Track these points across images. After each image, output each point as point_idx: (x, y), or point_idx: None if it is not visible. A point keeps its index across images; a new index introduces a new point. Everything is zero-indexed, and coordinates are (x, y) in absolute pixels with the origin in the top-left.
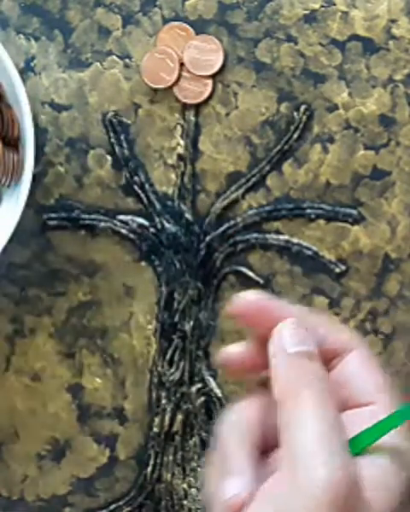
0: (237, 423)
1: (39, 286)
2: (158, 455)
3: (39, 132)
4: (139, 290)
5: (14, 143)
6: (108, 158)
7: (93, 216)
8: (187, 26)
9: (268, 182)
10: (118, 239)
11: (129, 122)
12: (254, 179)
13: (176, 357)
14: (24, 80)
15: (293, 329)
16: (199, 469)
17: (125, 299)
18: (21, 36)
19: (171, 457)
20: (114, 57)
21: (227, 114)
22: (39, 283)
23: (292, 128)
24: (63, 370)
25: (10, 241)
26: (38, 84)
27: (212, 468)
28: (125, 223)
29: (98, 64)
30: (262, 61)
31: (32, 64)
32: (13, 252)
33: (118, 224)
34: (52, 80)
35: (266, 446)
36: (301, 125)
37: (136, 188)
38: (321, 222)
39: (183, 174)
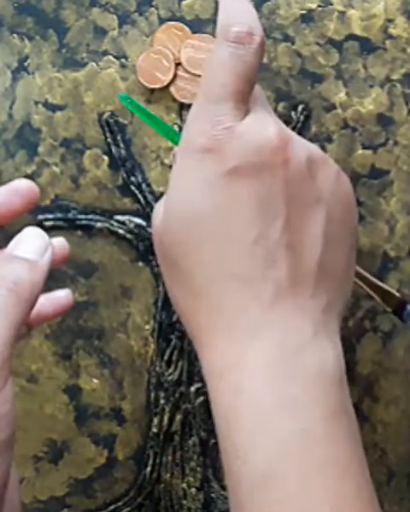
0: None
1: None
2: (157, 455)
3: (32, 132)
4: (136, 290)
5: None
6: (105, 158)
7: (90, 216)
8: (183, 26)
9: None
10: (115, 239)
11: (125, 122)
12: None
13: (174, 357)
14: (17, 80)
15: None
16: (198, 469)
17: (122, 299)
18: (15, 35)
19: (170, 457)
20: (110, 57)
21: None
22: None
23: (290, 128)
24: (60, 372)
25: (5, 242)
26: (31, 84)
27: None
28: (122, 223)
29: (94, 64)
30: None
31: (25, 64)
32: None
33: (115, 224)
34: (46, 80)
35: None
36: (298, 125)
37: (133, 188)
38: None
39: None
